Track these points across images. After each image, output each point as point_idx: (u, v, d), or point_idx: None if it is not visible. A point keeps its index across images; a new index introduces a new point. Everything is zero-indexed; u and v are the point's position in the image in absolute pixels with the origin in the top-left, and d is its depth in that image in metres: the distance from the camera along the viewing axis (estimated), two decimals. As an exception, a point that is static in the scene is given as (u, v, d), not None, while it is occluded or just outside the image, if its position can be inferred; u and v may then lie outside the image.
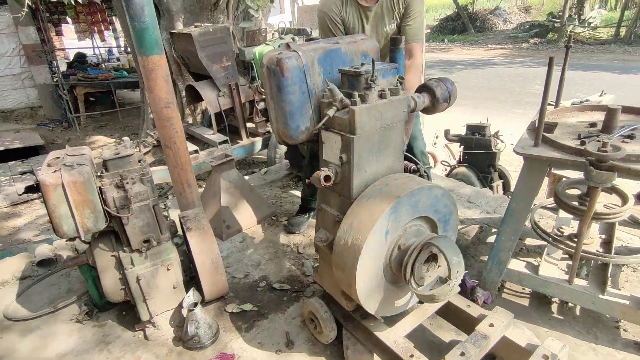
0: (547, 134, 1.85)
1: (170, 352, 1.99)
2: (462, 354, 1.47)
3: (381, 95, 1.57)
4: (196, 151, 4.56)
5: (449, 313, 1.85)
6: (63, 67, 9.39)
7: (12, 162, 6.04)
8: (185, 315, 1.99)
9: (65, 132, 7.76)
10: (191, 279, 2.32)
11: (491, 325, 1.59)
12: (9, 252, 3.17)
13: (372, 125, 1.55)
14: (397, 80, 1.67)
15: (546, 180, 3.41)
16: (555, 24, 14.94)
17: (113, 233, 2.02)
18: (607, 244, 2.11)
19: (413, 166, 1.89)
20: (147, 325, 2.07)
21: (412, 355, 1.55)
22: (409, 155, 2.03)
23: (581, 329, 1.95)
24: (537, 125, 1.81)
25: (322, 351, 1.94)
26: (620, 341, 1.87)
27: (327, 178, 1.59)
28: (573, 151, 1.71)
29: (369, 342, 1.76)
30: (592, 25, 15.12)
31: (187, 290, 2.10)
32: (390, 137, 1.65)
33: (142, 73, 2.26)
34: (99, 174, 1.90)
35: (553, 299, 2.13)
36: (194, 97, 5.06)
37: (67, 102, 7.65)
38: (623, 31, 13.64)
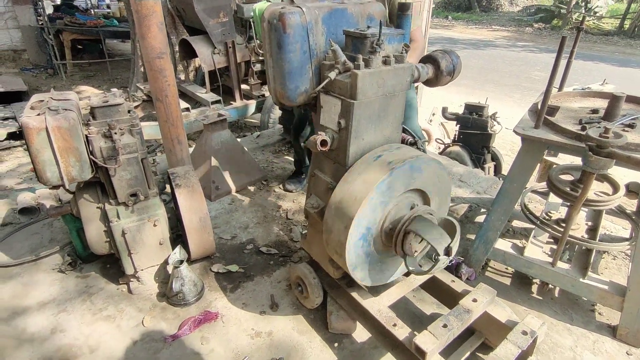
0: (548, 117, 1.83)
1: (154, 307, 1.99)
2: (445, 326, 1.50)
3: (385, 62, 1.51)
4: (187, 109, 4.43)
5: (433, 287, 1.87)
6: (50, 10, 8.89)
7: (-7, 106, 5.79)
8: (170, 272, 1.98)
9: (50, 79, 7.43)
10: (178, 236, 2.29)
11: (474, 300, 1.61)
12: (-12, 197, 3.08)
13: (373, 92, 1.49)
14: (403, 47, 1.60)
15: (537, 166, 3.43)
16: (562, 10, 14.69)
17: (99, 184, 1.96)
18: (592, 231, 2.15)
19: (410, 139, 1.86)
20: (132, 280, 2.06)
21: (394, 325, 1.57)
22: (407, 128, 2.00)
23: (558, 310, 2.02)
24: (540, 107, 1.77)
25: (305, 315, 1.97)
26: (595, 323, 1.94)
27: (323, 143, 1.54)
28: (573, 135, 1.69)
29: (353, 310, 1.78)
30: (597, 14, 14.91)
31: (173, 248, 2.08)
32: (390, 106, 1.60)
33: (134, 19, 2.13)
34: (86, 122, 1.82)
35: (534, 280, 2.18)
36: (188, 52, 4.85)
37: (52, 47, 7.29)
38: (627, 24, 13.51)
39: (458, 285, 1.78)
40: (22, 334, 1.83)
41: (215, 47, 4.49)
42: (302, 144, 2.91)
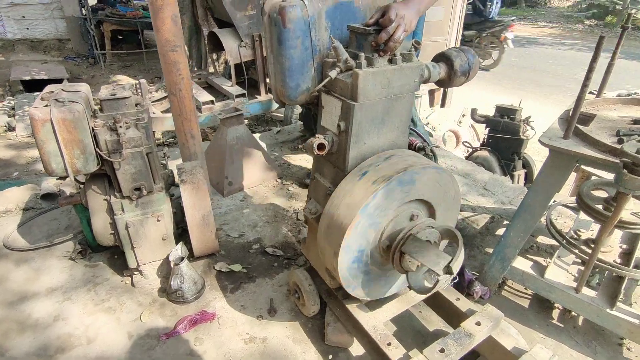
0: (580, 126, 1.64)
1: (153, 302, 1.99)
2: (442, 351, 1.38)
3: (391, 60, 1.39)
4: (212, 102, 4.45)
5: (436, 304, 1.75)
6: (93, 1, 9.26)
7: (37, 93, 6.10)
8: (171, 268, 1.97)
9: (90, 68, 7.75)
10: (184, 231, 2.28)
11: (478, 323, 1.48)
12: (18, 181, 3.23)
13: (377, 93, 1.38)
14: (412, 45, 1.48)
15: (573, 175, 3.17)
16: (617, 5, 13.62)
17: (107, 176, 1.97)
18: (627, 255, 1.93)
19: (419, 143, 1.73)
20: (135, 273, 2.07)
21: (389, 344, 1.47)
22: (417, 131, 1.86)
23: (580, 341, 1.83)
24: (570, 114, 1.59)
25: (303, 323, 1.90)
26: None
27: (320, 146, 1.45)
28: (607, 149, 1.51)
29: (349, 323, 1.69)
30: (658, 11, 13.70)
31: (177, 243, 2.07)
32: (396, 109, 1.48)
33: (150, 11, 2.11)
34: (94, 114, 1.83)
35: (555, 305, 2.00)
36: (216, 45, 4.88)
37: (93, 37, 7.58)
38: (693, 21, 12.33)
39: (463, 304, 1.64)
40: (27, 320, 1.88)
41: (242, 40, 4.47)
42: None
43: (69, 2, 7.92)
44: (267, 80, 4.58)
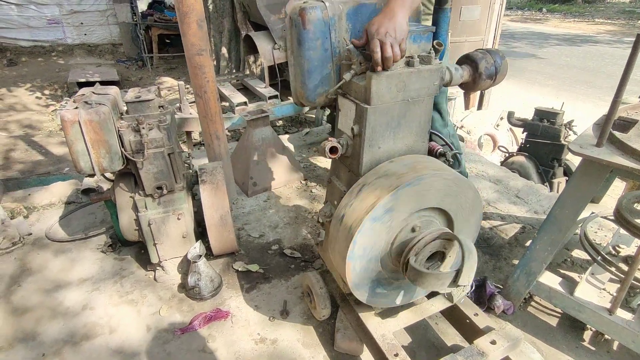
0: (617, 133, 1.50)
1: (172, 297, 2.06)
2: (450, 368, 1.32)
3: (408, 63, 1.35)
4: (245, 103, 4.56)
5: (454, 317, 1.67)
6: (144, 7, 9.81)
7: (88, 94, 6.54)
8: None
9: (139, 71, 8.21)
10: (205, 230, 2.35)
11: (493, 342, 1.39)
12: (63, 176, 3.48)
13: (392, 97, 1.35)
14: (433, 46, 1.42)
15: (624, 185, 2.92)
16: (690, -1, 12.39)
17: (133, 175, 2.07)
18: (672, 276, 1.74)
19: (440, 148, 1.65)
20: (157, 268, 2.16)
21: (396, 355, 1.42)
22: (440, 136, 1.79)
23: (613, 366, 1.68)
24: (605, 120, 1.46)
25: (315, 327, 1.88)
26: (660, 391, 1.58)
27: (333, 150, 1.44)
28: (645, 159, 1.36)
29: (360, 330, 1.65)
30: None
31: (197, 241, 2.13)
32: (414, 113, 1.43)
33: (177, 16, 2.20)
34: (121, 115, 1.92)
35: (588, 326, 1.84)
36: (252, 47, 4.99)
37: (142, 42, 8.03)
38: None
39: (481, 320, 1.56)
40: (59, 307, 2.01)
41: (276, 43, 4.54)
42: None
43: (122, 8, 8.45)
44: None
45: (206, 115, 2.46)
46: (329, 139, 1.45)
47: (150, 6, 10.04)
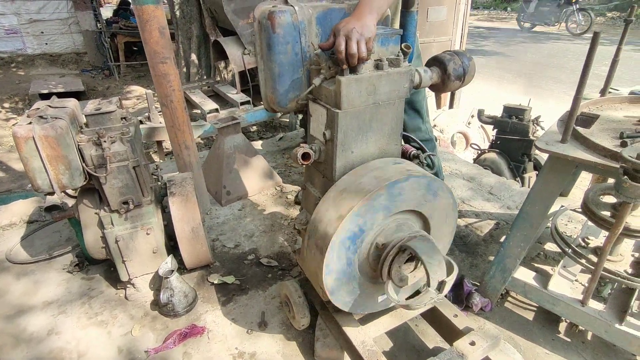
0: (580, 128, 1.53)
1: (145, 315, 1.97)
2: (430, 372, 1.30)
3: (377, 66, 1.34)
4: (216, 110, 4.47)
5: (434, 319, 1.66)
6: (109, 14, 9.53)
7: (52, 106, 6.27)
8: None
9: (105, 80, 7.95)
10: (177, 243, 2.27)
11: (472, 343, 1.39)
12: (25, 194, 3.31)
13: (362, 100, 1.33)
14: (401, 49, 1.41)
15: (590, 177, 3.01)
16: (642, -4, 13.05)
17: (97, 190, 1.98)
18: (639, 265, 1.79)
19: (413, 151, 1.65)
20: (128, 286, 2.07)
21: (377, 362, 1.40)
22: (414, 138, 1.79)
23: (589, 358, 1.71)
24: (568, 116, 1.49)
25: (294, 337, 1.84)
26: (633, 378, 1.62)
27: (305, 156, 1.41)
28: (607, 153, 1.40)
29: (341, 337, 1.62)
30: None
31: (169, 256, 2.05)
32: (385, 116, 1.42)
33: (137, 24, 2.12)
34: (81, 129, 1.83)
35: (563, 318, 1.87)
36: (222, 53, 4.91)
37: (108, 50, 7.78)
38: None
39: (460, 321, 1.55)
40: (22, 333, 1.90)
41: (246, 48, 4.48)
42: None
43: (85, 16, 8.17)
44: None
45: (173, 124, 2.39)
46: (301, 145, 1.42)
47: (115, 13, 9.77)
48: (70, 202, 2.85)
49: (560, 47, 9.84)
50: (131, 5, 9.95)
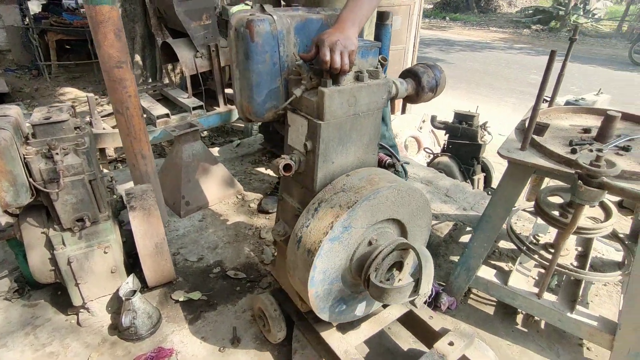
0: (536, 137, 1.66)
1: (103, 342, 1.81)
2: (414, 376, 1.34)
3: (358, 78, 1.35)
4: (167, 115, 4.26)
5: (410, 322, 1.71)
6: (37, 9, 8.70)
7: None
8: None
9: (34, 81, 7.24)
10: (137, 260, 2.12)
11: (451, 343, 1.45)
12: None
13: (344, 112, 1.34)
14: (379, 61, 1.44)
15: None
16: (560, 12, 14.55)
17: (45, 207, 1.79)
18: (583, 257, 1.98)
19: (389, 160, 1.69)
20: (81, 311, 1.89)
21: (360, 370, 1.41)
22: (387, 147, 1.83)
23: (544, 345, 1.86)
24: (527, 126, 1.61)
25: (270, 350, 1.80)
26: (583, 362, 1.78)
27: (287, 167, 1.39)
28: (562, 160, 1.53)
29: (321, 348, 1.61)
30: (595, 17, 14.78)
31: (129, 274, 1.91)
32: (364, 126, 1.44)
33: (89, 25, 1.96)
34: (26, 140, 1.65)
35: (519, 310, 2.02)
36: (170, 55, 4.68)
37: (37, 48, 7.10)
38: (626, 26, 13.37)
39: (436, 322, 1.61)
40: (-46, 374, 1.66)
41: (198, 51, 4.32)
42: None
43: (8, 10, 7.38)
44: (226, 91, 4.44)
45: (129, 133, 2.23)
46: (282, 156, 1.40)
47: (45, 8, 8.94)
48: (5, 220, 2.56)
49: (495, 55, 10.65)
50: (80, 5, 9.17)
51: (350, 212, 1.27)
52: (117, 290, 1.86)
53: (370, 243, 1.41)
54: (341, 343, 1.53)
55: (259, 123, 3.98)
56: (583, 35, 13.40)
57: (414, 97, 1.57)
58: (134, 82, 2.16)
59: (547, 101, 2.60)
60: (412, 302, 1.64)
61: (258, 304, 1.79)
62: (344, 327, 1.61)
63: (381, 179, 1.40)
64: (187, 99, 4.50)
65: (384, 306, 1.70)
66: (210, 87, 4.53)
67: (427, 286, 1.28)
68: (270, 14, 1.33)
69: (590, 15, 14.69)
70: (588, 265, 1.91)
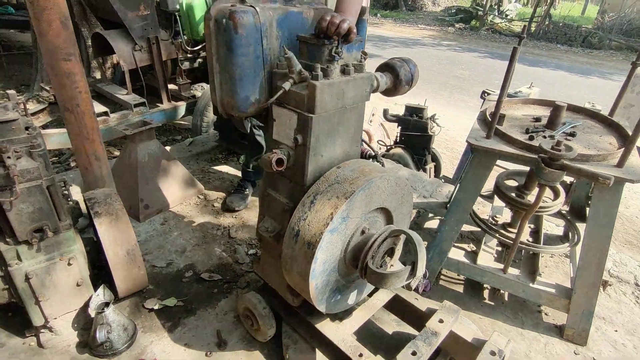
0: (498, 126, 1.82)
1: (72, 362, 1.65)
2: (414, 353, 1.41)
3: (344, 71, 1.37)
4: (106, 113, 3.92)
5: (397, 306, 1.78)
6: None
7: None
8: (93, 317, 1.65)
9: None
10: (100, 269, 1.95)
11: (441, 321, 1.55)
12: None
13: (333, 105, 1.35)
14: (362, 55, 1.47)
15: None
16: (479, 12, 15.82)
17: (-9, 219, 1.57)
18: (535, 233, 2.22)
19: (370, 151, 1.75)
20: (42, 331, 1.70)
21: (360, 355, 1.45)
22: (364, 140, 1.88)
23: (510, 315, 2.05)
24: (491, 117, 1.76)
25: (259, 349, 1.77)
26: (543, 325, 2.00)
27: (279, 162, 1.37)
28: (523, 146, 1.70)
29: (315, 340, 1.62)
30: (508, 17, 16.31)
31: (95, 286, 1.75)
32: (350, 119, 1.47)
33: (30, 13, 1.74)
34: (-34, 142, 1.43)
35: (485, 285, 2.20)
36: (102, 48, 4.30)
37: None
38: (534, 27, 14.93)
39: (421, 303, 1.71)
40: None
41: (137, 44, 4.01)
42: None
43: None
44: (169, 86, 4.19)
45: (80, 133, 2.02)
46: (274, 150, 1.38)
47: None
48: None
49: (426, 51, 11.30)
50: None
51: (348, 203, 1.30)
52: (85, 304, 1.70)
53: (363, 232, 1.45)
54: (337, 332, 1.56)
55: (212, 120, 3.83)
56: (499, 34, 14.73)
57: (392, 90, 1.63)
58: (84, 76, 1.96)
59: (488, 94, 2.84)
60: (408, 285, 1.71)
61: (244, 304, 1.74)
62: (336, 317, 1.64)
63: (371, 169, 1.44)
64: (127, 96, 4.18)
65: (371, 294, 1.76)
66: (150, 82, 4.24)
67: (422, 268, 1.35)
68: (252, 6, 1.30)
69: (504, 16, 16.19)
70: (542, 240, 2.15)
